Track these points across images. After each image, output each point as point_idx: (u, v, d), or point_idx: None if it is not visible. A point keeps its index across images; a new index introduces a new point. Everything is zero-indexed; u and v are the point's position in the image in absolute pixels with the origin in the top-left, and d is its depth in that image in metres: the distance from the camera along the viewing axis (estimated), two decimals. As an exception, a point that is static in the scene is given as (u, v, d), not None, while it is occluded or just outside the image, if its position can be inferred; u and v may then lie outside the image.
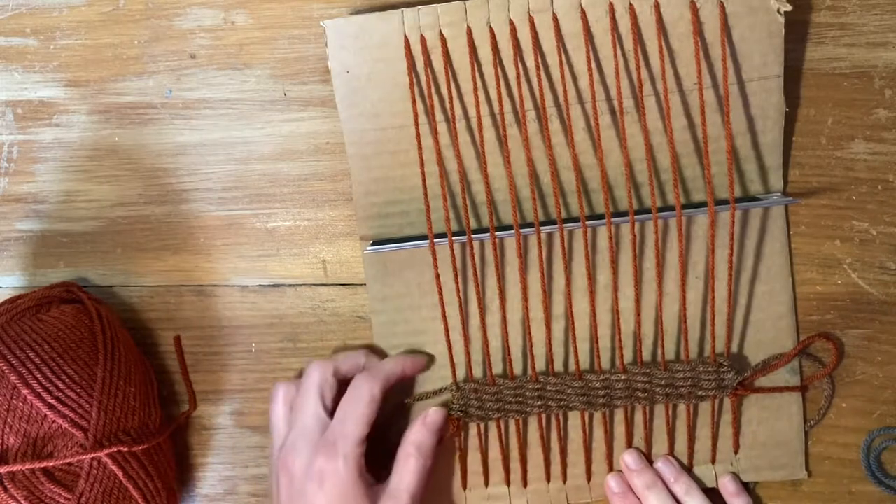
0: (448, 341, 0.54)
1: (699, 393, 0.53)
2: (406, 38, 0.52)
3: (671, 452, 0.55)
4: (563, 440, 0.55)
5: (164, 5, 0.56)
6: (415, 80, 0.52)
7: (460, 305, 0.54)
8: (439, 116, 0.53)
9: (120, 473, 0.50)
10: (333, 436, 0.50)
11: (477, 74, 0.52)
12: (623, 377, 0.54)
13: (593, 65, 0.52)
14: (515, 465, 0.56)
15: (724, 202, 0.51)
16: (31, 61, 0.57)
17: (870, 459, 0.55)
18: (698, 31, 0.51)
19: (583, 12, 0.51)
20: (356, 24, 0.52)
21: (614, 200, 0.53)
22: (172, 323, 0.58)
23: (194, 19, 0.56)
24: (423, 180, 0.52)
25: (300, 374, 0.57)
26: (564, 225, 0.52)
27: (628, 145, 0.52)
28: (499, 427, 0.55)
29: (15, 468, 0.48)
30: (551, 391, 0.54)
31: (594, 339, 0.54)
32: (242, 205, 0.57)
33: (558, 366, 0.55)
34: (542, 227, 0.52)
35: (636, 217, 0.51)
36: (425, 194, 0.52)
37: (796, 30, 0.53)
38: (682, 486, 0.54)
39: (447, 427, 0.54)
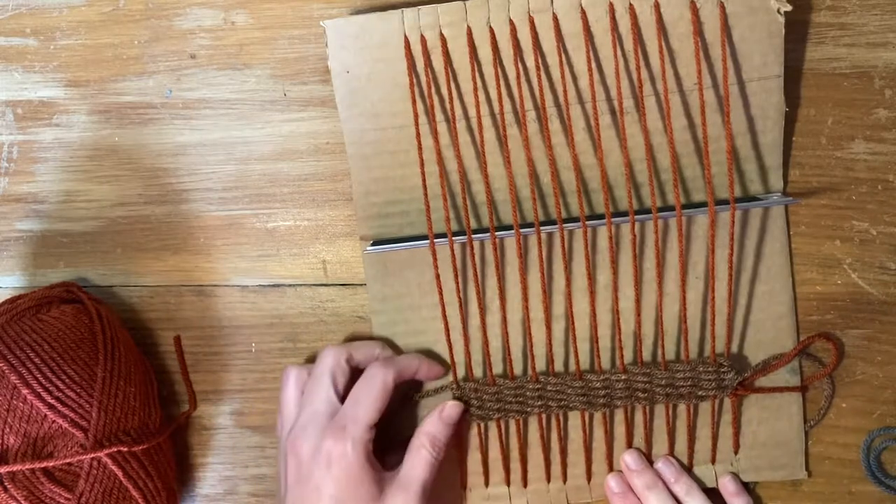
0: (448, 341, 0.54)
1: (699, 393, 0.53)
2: (406, 38, 0.52)
3: (671, 452, 0.55)
4: (564, 440, 0.55)
5: (164, 5, 0.56)
6: (415, 80, 0.52)
7: (460, 305, 0.54)
8: (439, 116, 0.53)
9: (120, 473, 0.50)
10: (344, 419, 0.50)
11: (477, 74, 0.52)
12: (623, 377, 0.54)
13: (593, 65, 0.52)
14: (515, 465, 0.56)
15: (724, 202, 0.51)
16: (31, 61, 0.57)
17: (870, 459, 0.55)
18: (698, 31, 0.51)
19: (583, 12, 0.51)
20: (356, 24, 0.52)
21: (614, 200, 0.53)
22: (172, 323, 0.58)
23: (194, 19, 0.56)
24: (423, 180, 0.52)
25: (310, 360, 0.57)
26: (564, 225, 0.52)
27: (628, 145, 0.52)
28: (499, 427, 0.55)
29: (15, 468, 0.48)
30: (551, 391, 0.54)
31: (594, 339, 0.54)
32: (242, 205, 0.57)
33: (558, 366, 0.55)
34: (542, 227, 0.52)
35: (636, 217, 0.51)
36: (425, 194, 0.52)
37: (796, 30, 0.53)
38: (682, 486, 0.54)
39: (463, 421, 0.54)
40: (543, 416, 0.55)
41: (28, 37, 0.57)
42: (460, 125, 0.53)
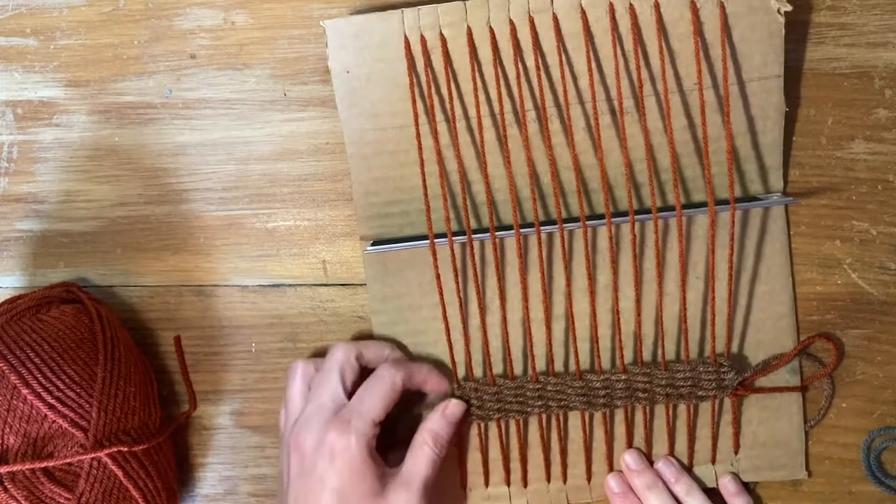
0: (449, 341, 0.54)
1: (699, 393, 0.53)
2: (406, 38, 0.52)
3: (671, 452, 0.55)
4: (564, 440, 0.55)
5: (164, 5, 0.56)
6: (415, 80, 0.52)
7: (460, 305, 0.54)
8: (439, 116, 0.53)
9: (120, 473, 0.50)
10: (349, 414, 0.50)
11: (477, 74, 0.52)
12: (623, 377, 0.54)
13: (593, 65, 0.52)
14: (516, 465, 0.56)
15: (724, 202, 0.51)
16: (31, 61, 0.57)
17: (870, 459, 0.55)
18: (698, 31, 0.51)
19: (583, 12, 0.51)
20: (356, 24, 0.52)
21: (614, 200, 0.53)
22: (172, 323, 0.58)
23: (194, 19, 0.56)
24: (423, 180, 0.52)
25: (315, 354, 0.57)
26: (564, 225, 0.52)
27: (628, 145, 0.52)
28: (499, 427, 0.55)
29: (15, 468, 0.48)
30: (551, 391, 0.54)
31: (594, 339, 0.54)
32: (242, 205, 0.57)
33: (558, 366, 0.55)
34: (542, 227, 0.52)
35: (636, 217, 0.51)
36: (425, 194, 0.52)
37: (796, 30, 0.53)
38: (682, 486, 0.54)
39: (464, 421, 0.54)
40: (543, 416, 0.55)
41: (28, 37, 0.57)
42: (460, 125, 0.53)
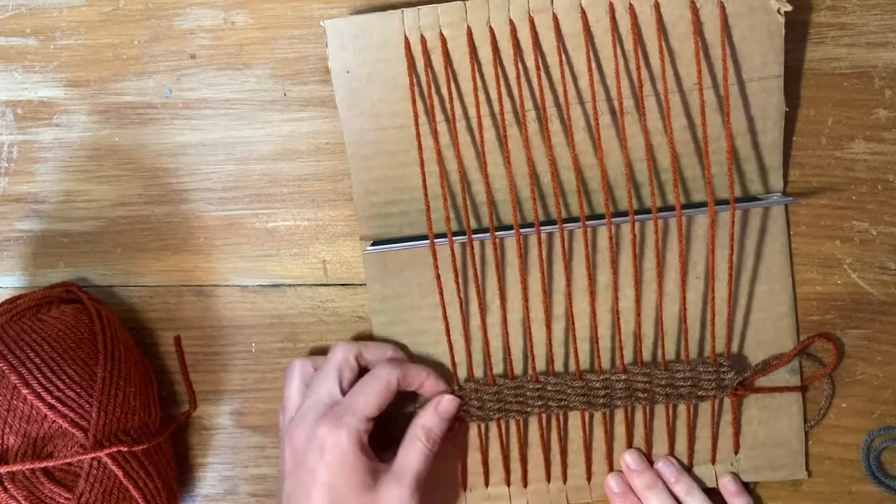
0: (449, 341, 0.54)
1: (699, 393, 0.53)
2: (406, 38, 0.52)
3: (671, 452, 0.55)
4: (564, 440, 0.55)
5: (164, 5, 0.56)
6: (415, 80, 0.52)
7: (461, 305, 0.54)
8: (439, 116, 0.53)
9: (120, 473, 0.50)
10: (341, 409, 0.50)
11: (477, 74, 0.52)
12: (623, 377, 0.54)
13: (593, 65, 0.52)
14: (516, 465, 0.56)
15: (724, 202, 0.51)
16: (31, 61, 0.57)
17: (870, 459, 0.55)
18: (698, 31, 0.51)
19: (583, 12, 0.51)
20: (356, 24, 0.52)
21: (614, 200, 0.53)
22: (172, 323, 0.58)
23: (194, 19, 0.56)
24: (423, 180, 0.52)
25: (314, 352, 0.57)
26: (564, 225, 0.52)
27: (628, 145, 0.52)
28: (499, 427, 0.55)
29: (15, 468, 0.48)
30: (551, 391, 0.54)
31: (594, 339, 0.54)
32: (242, 205, 0.57)
33: (558, 366, 0.55)
34: (542, 227, 0.52)
35: (636, 217, 0.51)
36: (425, 194, 0.52)
37: (796, 30, 0.53)
38: (682, 486, 0.54)
39: (459, 419, 0.54)
40: (543, 416, 0.55)
41: (28, 37, 0.57)
42: (460, 125, 0.53)
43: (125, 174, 0.57)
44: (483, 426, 0.56)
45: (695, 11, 0.51)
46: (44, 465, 0.48)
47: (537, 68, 0.52)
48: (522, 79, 0.52)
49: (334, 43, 0.52)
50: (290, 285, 0.57)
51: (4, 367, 0.49)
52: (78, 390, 0.50)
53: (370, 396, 0.50)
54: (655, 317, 0.54)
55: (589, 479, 0.56)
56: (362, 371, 0.53)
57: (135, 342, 0.57)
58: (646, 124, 0.52)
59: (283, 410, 0.53)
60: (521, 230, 0.52)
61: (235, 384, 0.58)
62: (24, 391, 0.49)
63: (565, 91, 0.52)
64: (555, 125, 0.53)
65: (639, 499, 0.54)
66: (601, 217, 0.52)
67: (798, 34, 0.53)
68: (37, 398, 0.49)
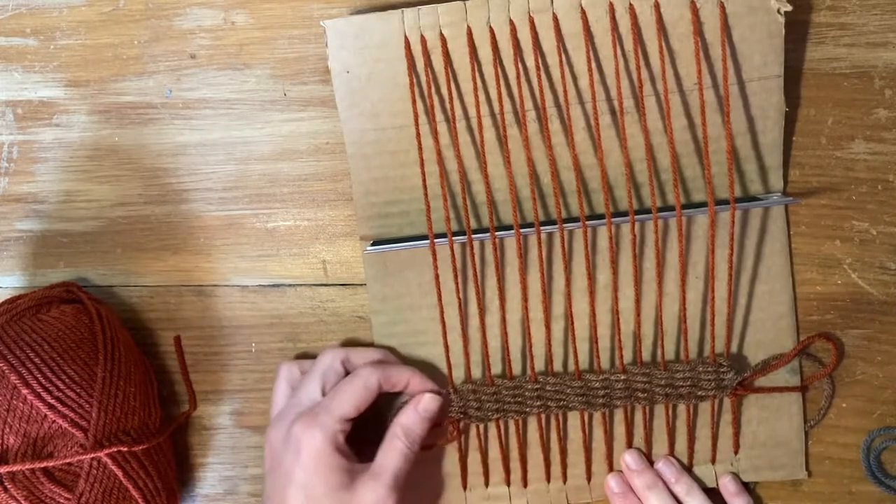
0: (445, 342, 0.54)
1: (699, 393, 0.53)
2: (406, 38, 0.52)
3: (671, 452, 0.55)
4: (563, 440, 0.55)
5: (164, 5, 0.56)
6: (415, 80, 0.52)
7: (460, 305, 0.54)
8: (439, 116, 0.53)
9: (120, 473, 0.50)
10: (317, 409, 0.50)
11: (477, 74, 0.52)
12: (623, 377, 0.54)
13: (593, 65, 0.52)
14: (515, 466, 0.56)
15: (724, 202, 0.51)
16: (31, 61, 0.57)
17: (870, 459, 0.55)
18: (698, 31, 0.51)
19: (583, 12, 0.51)
20: (356, 24, 0.52)
21: (614, 200, 0.53)
22: (172, 323, 0.58)
23: (194, 19, 0.56)
24: (423, 180, 0.52)
25: (302, 356, 0.57)
26: (564, 225, 0.52)
27: (628, 145, 0.52)
28: (498, 427, 0.55)
29: (15, 468, 0.48)
30: (550, 391, 0.54)
31: (594, 339, 0.54)
32: (242, 205, 0.57)
33: (558, 366, 0.55)
34: (542, 227, 0.52)
35: (636, 217, 0.51)
36: (425, 194, 0.52)
37: (796, 30, 0.53)
38: (683, 486, 0.54)
39: (455, 422, 0.54)
40: (543, 416, 0.55)
41: (28, 37, 0.57)
42: (460, 125, 0.53)
43: (125, 174, 0.57)
44: (482, 426, 0.55)
45: (695, 11, 0.51)
46: (44, 465, 0.48)
47: (537, 68, 0.52)
48: (522, 79, 0.52)
49: (334, 43, 0.52)
50: (290, 285, 0.57)
51: (4, 367, 0.49)
52: (78, 390, 0.50)
53: (347, 397, 0.50)
54: (655, 317, 0.54)
55: (589, 479, 0.56)
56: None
57: (135, 342, 0.57)
58: (646, 124, 0.52)
59: (270, 414, 0.54)
60: (521, 230, 0.52)
61: (235, 384, 0.58)
62: (24, 391, 0.49)
63: (565, 91, 0.52)
64: (555, 125, 0.53)
65: (639, 499, 0.54)
66: (601, 217, 0.52)
67: (798, 34, 0.53)
68: (37, 398, 0.49)
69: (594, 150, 0.53)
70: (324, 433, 0.49)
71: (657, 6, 0.51)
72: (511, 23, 0.51)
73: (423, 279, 0.54)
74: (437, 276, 0.53)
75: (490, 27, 0.51)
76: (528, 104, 0.52)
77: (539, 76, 0.52)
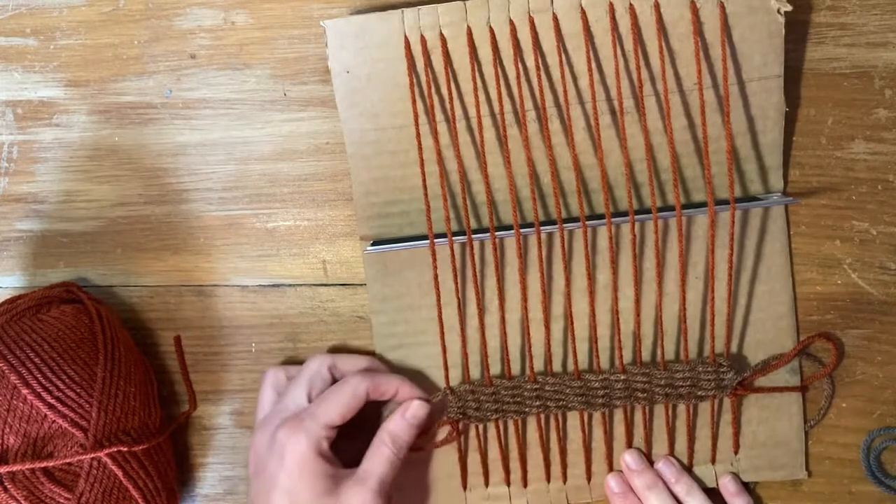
0: (443, 342, 0.54)
1: (699, 393, 0.53)
2: (406, 38, 0.52)
3: (671, 452, 0.55)
4: (563, 440, 0.55)
5: (164, 5, 0.56)
6: (415, 80, 0.52)
7: (459, 305, 0.54)
8: (439, 116, 0.53)
9: (120, 473, 0.50)
10: (303, 414, 0.50)
11: (477, 74, 0.52)
12: (622, 377, 0.54)
13: (593, 65, 0.52)
14: (515, 466, 0.56)
15: (724, 202, 0.51)
16: (31, 61, 0.57)
17: (870, 459, 0.55)
18: (698, 31, 0.51)
19: (583, 12, 0.51)
20: (356, 24, 0.52)
21: (614, 200, 0.53)
22: (172, 323, 0.58)
23: (194, 19, 0.56)
24: (423, 180, 0.52)
25: (288, 361, 0.57)
26: (564, 225, 0.52)
27: (628, 145, 0.52)
28: (497, 428, 0.55)
29: (15, 468, 0.48)
30: (549, 391, 0.54)
31: (593, 339, 0.54)
32: (242, 205, 0.57)
33: (557, 366, 0.55)
34: (542, 227, 0.52)
35: (636, 217, 0.51)
36: (425, 194, 0.52)
37: (796, 30, 0.53)
38: (683, 486, 0.54)
39: (431, 420, 0.54)
40: (542, 416, 0.55)
41: (28, 37, 0.57)
42: (460, 125, 0.53)
43: (125, 174, 0.57)
44: (482, 427, 0.55)
45: (695, 11, 0.51)
46: (44, 465, 0.48)
47: (537, 68, 0.52)
48: (522, 79, 0.52)
49: (334, 43, 0.52)
50: (290, 285, 0.57)
51: (4, 367, 0.49)
52: (78, 390, 0.50)
53: (333, 403, 0.50)
54: (655, 317, 0.54)
55: (589, 479, 0.56)
56: (335, 383, 0.53)
57: (135, 342, 0.57)
58: (646, 124, 0.52)
59: (256, 419, 0.54)
60: (521, 230, 0.52)
61: (235, 384, 0.58)
62: (24, 391, 0.49)
63: (565, 91, 0.52)
64: (555, 125, 0.53)
65: (639, 499, 0.54)
66: (601, 217, 0.52)
67: (798, 34, 0.53)
68: (37, 398, 0.49)
69: (594, 150, 0.53)
70: (309, 439, 0.49)
71: (657, 6, 0.51)
72: (511, 23, 0.51)
73: (423, 279, 0.54)
74: (436, 276, 0.53)
75: (490, 27, 0.51)
76: (528, 104, 0.52)
77: (539, 76, 0.52)
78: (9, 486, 0.48)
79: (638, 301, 0.53)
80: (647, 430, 0.55)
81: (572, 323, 0.53)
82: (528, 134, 0.53)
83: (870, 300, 0.55)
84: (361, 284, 0.57)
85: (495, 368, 0.55)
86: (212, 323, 0.58)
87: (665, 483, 0.54)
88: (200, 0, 0.56)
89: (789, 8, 0.51)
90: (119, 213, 0.58)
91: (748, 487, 0.56)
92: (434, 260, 0.53)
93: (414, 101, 0.52)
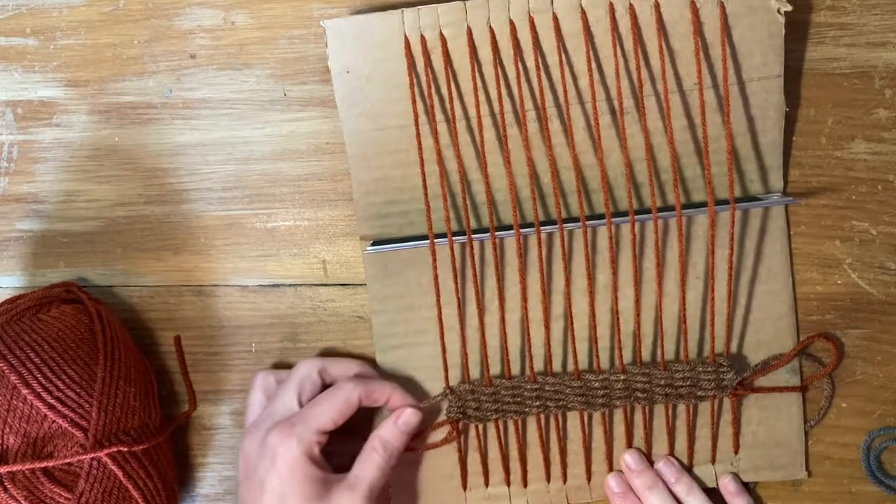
0: (442, 343, 0.54)
1: (699, 393, 0.53)
2: (406, 38, 0.52)
3: (671, 452, 0.55)
4: (563, 440, 0.55)
5: (164, 5, 0.56)
6: (415, 80, 0.52)
7: (459, 305, 0.54)
8: (439, 116, 0.53)
9: (120, 473, 0.50)
10: (295, 419, 0.50)
11: (477, 74, 0.52)
12: (622, 377, 0.54)
13: (593, 65, 0.52)
14: (515, 466, 0.56)
15: (724, 202, 0.51)
16: (31, 61, 0.57)
17: (870, 459, 0.55)
18: (698, 31, 0.51)
19: (583, 12, 0.51)
20: (356, 24, 0.52)
21: (614, 200, 0.53)
22: (172, 323, 0.58)
23: (194, 19, 0.56)
24: (423, 180, 0.52)
25: (277, 366, 0.57)
26: (564, 225, 0.52)
27: (628, 145, 0.52)
28: (497, 427, 0.55)
29: (15, 468, 0.48)
30: (549, 391, 0.54)
31: (593, 339, 0.54)
32: (242, 205, 0.57)
33: (557, 366, 0.55)
34: (542, 227, 0.52)
35: (636, 217, 0.51)
36: (425, 194, 0.52)
37: (796, 30, 0.53)
38: (683, 486, 0.54)
39: (424, 425, 0.54)
40: (542, 416, 0.55)
41: (28, 37, 0.57)
42: (460, 125, 0.53)
43: (125, 174, 0.57)
44: (481, 427, 0.55)
45: (695, 11, 0.51)
46: (44, 465, 0.48)
47: (537, 68, 0.52)
48: (522, 79, 0.52)
49: (334, 43, 0.52)
50: (290, 285, 0.57)
51: (4, 367, 0.49)
52: (78, 390, 0.50)
53: (326, 409, 0.50)
54: (655, 317, 0.54)
55: (589, 479, 0.56)
56: (326, 387, 0.53)
57: (135, 342, 0.57)
58: (646, 124, 0.52)
59: (245, 423, 0.54)
60: (521, 230, 0.52)
61: (235, 384, 0.58)
62: (24, 391, 0.49)
63: (565, 91, 0.52)
64: (555, 125, 0.53)
65: (639, 499, 0.54)
66: (601, 217, 0.52)
67: (798, 34, 0.53)
68: (37, 398, 0.49)
69: (594, 150, 0.53)
70: (301, 444, 0.49)
71: (657, 6, 0.51)
72: (511, 23, 0.51)
73: (422, 279, 0.54)
74: (436, 276, 0.53)
75: (490, 27, 0.51)
76: (528, 104, 0.52)
77: (539, 76, 0.52)
78: (9, 486, 0.48)
79: (638, 301, 0.53)
80: (647, 430, 0.55)
81: (572, 323, 0.53)
82: (528, 134, 0.52)
83: (870, 300, 0.55)
84: (361, 284, 0.57)
85: (495, 368, 0.55)
86: (212, 323, 0.58)
87: (665, 483, 0.54)
88: (200, 0, 0.56)
89: (789, 8, 0.51)
90: (119, 213, 0.58)
91: (748, 487, 0.56)
92: (434, 260, 0.53)
93: (414, 101, 0.52)
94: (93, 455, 0.49)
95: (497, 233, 0.52)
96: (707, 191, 0.51)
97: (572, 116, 0.52)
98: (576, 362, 0.54)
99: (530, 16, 0.51)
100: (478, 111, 0.52)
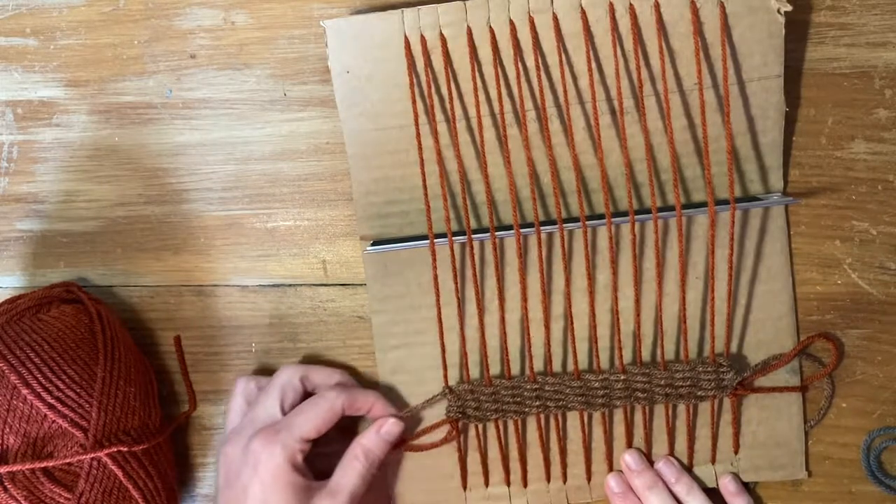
0: (442, 343, 0.54)
1: (699, 393, 0.53)
2: (406, 38, 0.52)
3: (671, 452, 0.55)
4: (563, 440, 0.55)
5: (164, 5, 0.56)
6: (415, 80, 0.52)
7: (459, 305, 0.54)
8: (439, 116, 0.53)
9: (120, 473, 0.50)
10: (278, 426, 0.50)
11: (477, 74, 0.52)
12: (622, 377, 0.54)
13: (593, 65, 0.52)
14: (515, 466, 0.56)
15: (724, 202, 0.51)
16: (31, 61, 0.57)
17: (870, 459, 0.55)
18: (698, 31, 0.51)
19: (583, 12, 0.51)
20: (356, 24, 0.52)
21: (614, 200, 0.53)
22: (172, 323, 0.58)
23: (194, 19, 0.56)
24: (423, 180, 0.52)
25: (259, 371, 0.57)
26: (564, 225, 0.52)
27: (628, 145, 0.52)
28: (497, 427, 0.55)
29: (15, 468, 0.48)
30: (549, 391, 0.54)
31: (593, 339, 0.54)
32: (242, 205, 0.57)
33: (557, 366, 0.55)
34: (542, 227, 0.52)
35: (636, 217, 0.51)
36: (425, 194, 0.52)
37: (796, 30, 0.53)
38: (683, 486, 0.54)
39: (407, 432, 0.54)
40: (542, 416, 0.55)
41: (28, 37, 0.57)
42: (460, 125, 0.53)
43: (125, 174, 0.57)
44: (481, 427, 0.55)
45: (695, 11, 0.51)
46: (44, 465, 0.48)
47: (537, 68, 0.52)
48: (522, 79, 0.52)
49: (334, 43, 0.52)
50: (290, 285, 0.57)
51: (4, 367, 0.49)
52: (78, 390, 0.50)
53: (310, 417, 0.50)
54: (655, 317, 0.54)
55: (589, 479, 0.56)
56: (307, 394, 0.53)
57: (135, 342, 0.57)
58: (646, 124, 0.52)
59: (224, 430, 0.54)
60: (521, 230, 0.52)
61: (235, 384, 0.58)
62: (24, 391, 0.49)
63: (565, 91, 0.52)
64: (555, 125, 0.53)
65: (639, 499, 0.54)
66: (601, 217, 0.52)
67: (798, 34, 0.53)
68: (37, 398, 0.49)
69: (594, 150, 0.53)
70: (284, 451, 0.49)
71: (657, 6, 0.51)
72: (511, 23, 0.51)
73: (422, 279, 0.54)
74: (436, 276, 0.53)
75: (490, 27, 0.51)
76: (528, 104, 0.52)
77: (539, 76, 0.52)
78: (9, 486, 0.48)
79: (638, 301, 0.53)
80: (647, 430, 0.55)
81: (572, 323, 0.53)
82: (528, 134, 0.53)
83: (870, 300, 0.55)
84: (361, 284, 0.57)
85: (495, 368, 0.55)
86: (212, 323, 0.58)
87: (665, 483, 0.54)
88: (200, 0, 0.56)
89: (789, 8, 0.51)
90: (119, 213, 0.58)
91: (748, 487, 0.56)
92: (434, 260, 0.53)
93: (414, 101, 0.52)
94: (93, 455, 0.49)
95: (497, 233, 0.52)
96: (707, 191, 0.51)
97: (572, 116, 0.52)
98: (576, 362, 0.54)
99: (530, 16, 0.51)
100: (478, 111, 0.52)
